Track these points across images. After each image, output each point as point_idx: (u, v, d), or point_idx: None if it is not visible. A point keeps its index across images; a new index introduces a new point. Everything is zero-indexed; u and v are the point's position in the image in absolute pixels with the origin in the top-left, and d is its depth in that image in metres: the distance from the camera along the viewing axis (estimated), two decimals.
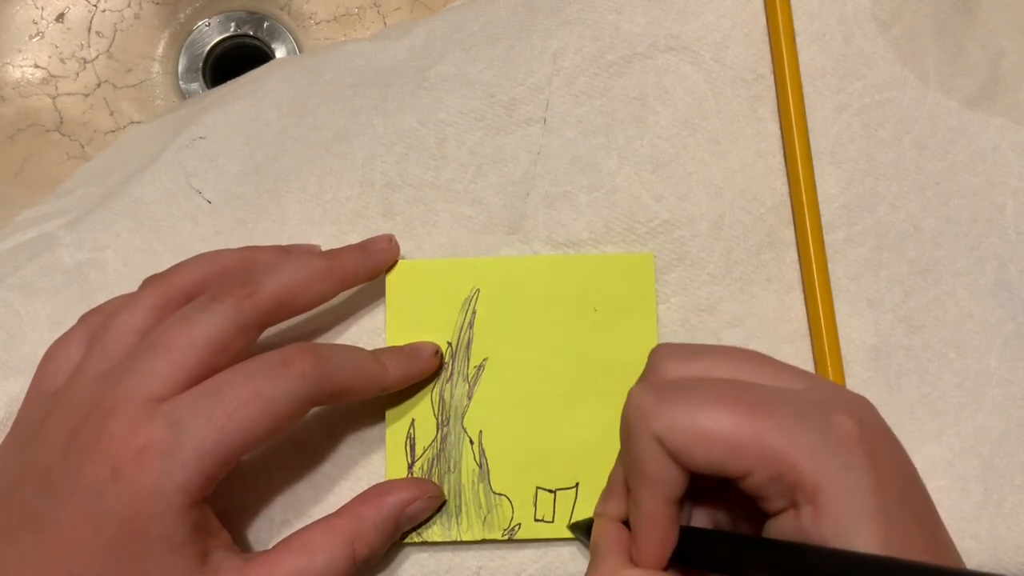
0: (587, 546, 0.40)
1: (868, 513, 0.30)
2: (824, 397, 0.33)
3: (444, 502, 0.41)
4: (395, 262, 0.44)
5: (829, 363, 0.43)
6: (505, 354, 0.43)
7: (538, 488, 0.41)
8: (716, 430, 0.32)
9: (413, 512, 0.39)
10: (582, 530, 0.40)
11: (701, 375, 0.35)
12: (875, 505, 0.30)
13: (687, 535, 0.35)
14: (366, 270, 0.43)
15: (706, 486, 0.36)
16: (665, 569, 0.35)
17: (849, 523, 0.30)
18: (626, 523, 0.37)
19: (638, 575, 0.34)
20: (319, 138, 0.46)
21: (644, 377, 0.37)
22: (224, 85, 0.50)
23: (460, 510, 0.41)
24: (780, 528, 0.32)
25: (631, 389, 0.35)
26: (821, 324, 0.43)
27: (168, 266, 0.44)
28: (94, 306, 0.41)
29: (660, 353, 0.37)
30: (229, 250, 0.42)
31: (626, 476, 0.35)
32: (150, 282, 0.40)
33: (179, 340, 0.36)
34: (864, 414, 0.33)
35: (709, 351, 0.36)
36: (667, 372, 0.36)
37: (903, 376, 0.43)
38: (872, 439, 0.32)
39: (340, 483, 0.42)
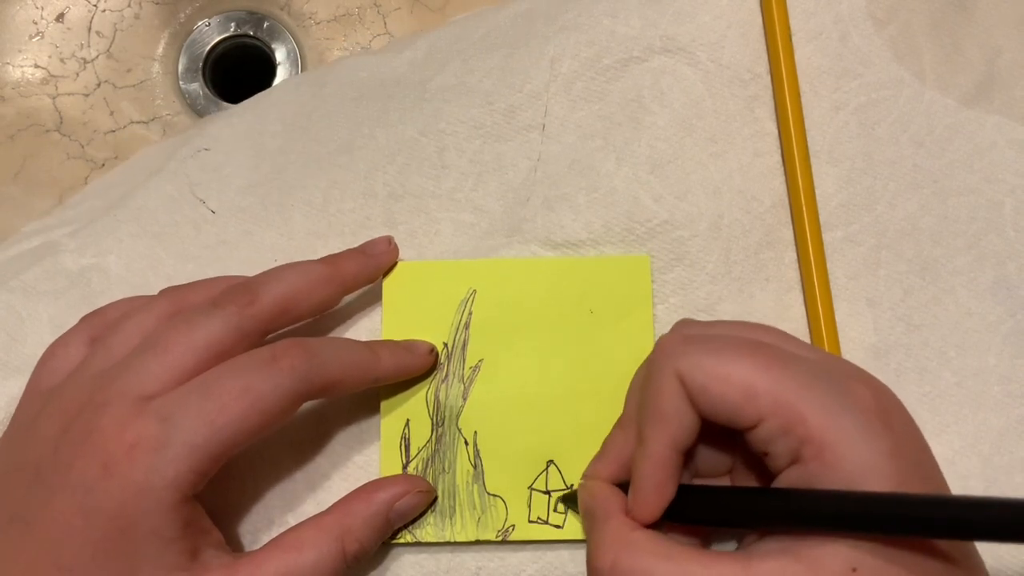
0: (576, 513, 0.40)
1: (882, 475, 0.30)
2: (842, 368, 0.34)
3: (435, 498, 0.41)
4: (395, 264, 0.44)
5: None
6: (500, 356, 0.43)
7: (532, 490, 0.41)
8: (736, 374, 0.32)
9: (403, 507, 0.39)
10: (575, 501, 0.40)
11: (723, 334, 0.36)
12: (890, 469, 0.30)
13: (688, 491, 0.35)
14: (366, 274, 0.43)
15: (709, 471, 0.37)
16: (662, 526, 0.35)
17: (857, 483, 0.30)
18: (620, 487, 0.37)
19: (647, 538, 0.33)
20: (323, 151, 0.47)
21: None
22: (232, 108, 0.50)
23: (454, 511, 0.41)
24: (784, 483, 0.32)
25: (672, 328, 0.36)
26: (820, 323, 0.43)
27: (170, 272, 0.45)
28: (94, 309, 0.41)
29: (682, 321, 0.38)
30: (250, 276, 0.42)
31: (639, 419, 0.35)
32: (167, 292, 0.40)
33: (177, 342, 0.36)
34: (881, 389, 0.34)
35: (728, 322, 0.38)
36: (690, 330, 0.37)
37: (902, 375, 0.43)
38: (888, 410, 0.33)
39: (337, 482, 0.42)
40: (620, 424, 0.38)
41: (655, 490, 0.34)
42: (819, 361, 0.34)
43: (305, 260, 0.42)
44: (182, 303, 0.39)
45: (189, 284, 0.41)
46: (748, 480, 0.37)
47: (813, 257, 0.44)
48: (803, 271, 0.44)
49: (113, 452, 0.34)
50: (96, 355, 0.38)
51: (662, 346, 0.35)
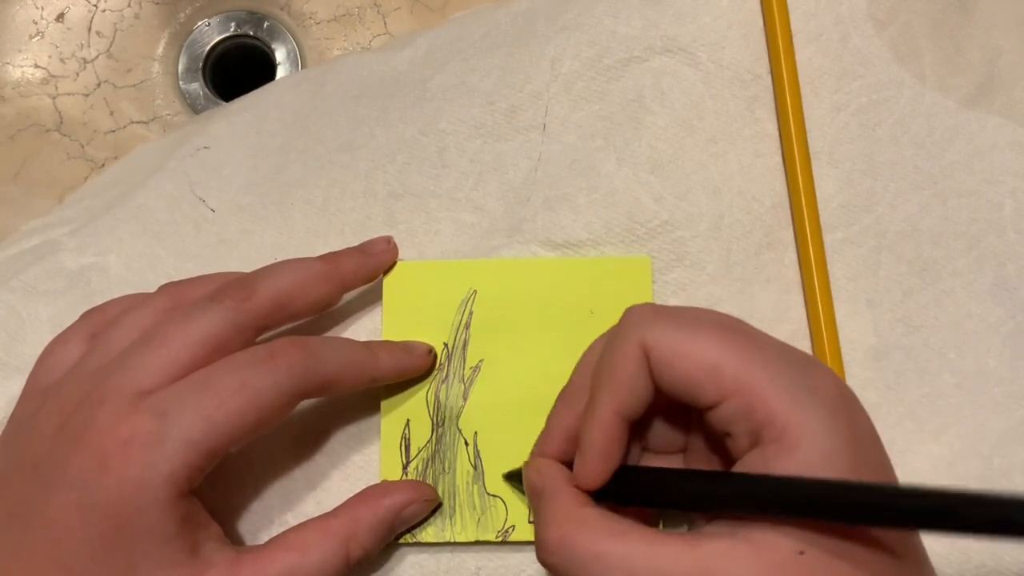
0: (522, 492, 0.40)
1: (839, 462, 0.30)
2: (807, 358, 0.33)
3: (439, 505, 0.41)
4: (394, 264, 0.44)
5: (829, 362, 0.43)
6: (501, 356, 0.43)
7: None
8: (703, 350, 0.32)
9: (408, 515, 0.40)
10: (517, 478, 0.40)
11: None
12: (847, 457, 0.30)
13: (638, 472, 0.35)
14: (365, 272, 0.43)
15: (662, 447, 0.37)
16: (607, 502, 0.34)
17: (815, 469, 0.30)
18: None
19: (598, 515, 0.33)
20: (323, 149, 0.47)
21: None
22: (231, 102, 0.50)
23: (454, 511, 0.41)
24: (742, 468, 0.32)
25: (628, 308, 0.36)
26: (821, 324, 0.43)
27: (170, 271, 0.45)
28: None
29: (650, 303, 0.37)
30: (248, 272, 0.42)
31: (592, 383, 0.35)
32: (165, 288, 0.40)
33: (174, 337, 0.36)
34: (841, 381, 0.33)
35: (696, 308, 0.37)
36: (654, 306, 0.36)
37: (902, 376, 0.43)
38: (849, 401, 0.32)
39: (337, 481, 0.42)
40: (563, 397, 0.38)
41: (600, 456, 0.34)
42: (785, 349, 0.34)
43: (304, 257, 0.42)
44: (182, 299, 0.39)
45: (188, 280, 0.41)
46: (702, 461, 0.36)
47: (814, 258, 0.44)
48: (803, 272, 0.44)
49: (109, 448, 0.33)
50: (95, 352, 0.38)
51: (630, 315, 0.34)
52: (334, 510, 0.39)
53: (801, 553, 0.29)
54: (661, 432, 0.37)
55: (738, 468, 0.32)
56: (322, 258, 0.42)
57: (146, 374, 0.35)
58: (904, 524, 0.29)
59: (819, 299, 0.43)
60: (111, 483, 0.33)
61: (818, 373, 0.33)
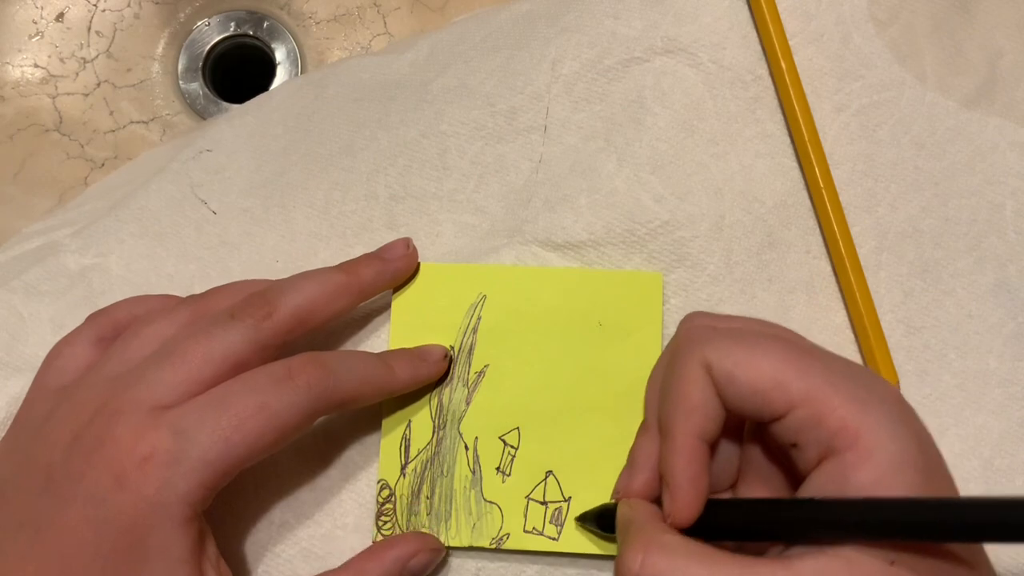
0: (598, 535, 0.40)
1: (913, 466, 0.30)
2: (862, 368, 0.34)
3: (446, 554, 0.41)
4: (416, 268, 0.44)
5: (878, 362, 0.43)
6: (506, 362, 0.43)
7: (529, 499, 0.41)
8: (766, 363, 0.32)
9: (415, 566, 0.39)
10: (592, 519, 0.40)
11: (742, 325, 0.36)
12: (921, 460, 0.30)
13: (717, 505, 0.34)
14: (384, 281, 0.43)
15: (712, 486, 0.36)
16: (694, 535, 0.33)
17: (893, 473, 0.30)
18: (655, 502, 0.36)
19: (680, 540, 0.32)
20: (325, 152, 0.47)
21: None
22: (234, 108, 0.50)
23: (450, 515, 0.41)
24: (818, 483, 0.31)
25: (686, 318, 0.36)
26: (866, 328, 0.43)
27: (172, 273, 0.44)
28: (96, 309, 0.41)
29: (695, 312, 0.38)
30: (268, 280, 0.41)
31: (661, 413, 0.35)
32: (188, 301, 0.40)
33: (194, 353, 0.36)
34: (900, 393, 0.33)
35: (746, 317, 0.37)
36: (711, 321, 0.36)
37: (903, 377, 0.43)
38: (910, 410, 0.32)
39: (339, 484, 0.42)
40: (644, 429, 0.38)
41: (690, 484, 0.33)
42: (839, 359, 0.34)
43: (322, 268, 0.41)
44: (200, 311, 0.39)
45: (208, 292, 0.41)
46: (757, 493, 0.36)
47: (843, 244, 0.44)
48: (839, 274, 0.44)
49: (126, 465, 0.33)
50: (111, 359, 0.37)
51: (687, 334, 0.34)
52: (341, 566, 0.39)
53: (892, 564, 0.29)
54: (713, 468, 0.36)
55: (816, 478, 0.32)
56: (341, 269, 0.41)
57: (165, 389, 0.35)
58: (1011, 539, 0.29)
59: (860, 304, 0.43)
60: (127, 500, 0.33)
61: (876, 381, 0.33)
